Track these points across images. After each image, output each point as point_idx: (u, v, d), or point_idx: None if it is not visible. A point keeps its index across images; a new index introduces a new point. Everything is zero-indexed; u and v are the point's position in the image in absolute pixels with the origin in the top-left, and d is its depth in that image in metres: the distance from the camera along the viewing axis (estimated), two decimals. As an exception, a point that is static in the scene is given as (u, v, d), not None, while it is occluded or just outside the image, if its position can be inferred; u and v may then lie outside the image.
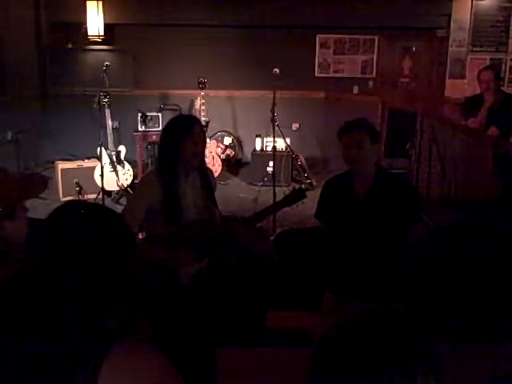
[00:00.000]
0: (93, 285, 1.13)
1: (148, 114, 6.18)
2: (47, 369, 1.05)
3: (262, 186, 6.17)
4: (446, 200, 4.82)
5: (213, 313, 2.43)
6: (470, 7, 6.88)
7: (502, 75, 6.79)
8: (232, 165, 7.18)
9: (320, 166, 7.18)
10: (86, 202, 1.59)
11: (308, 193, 3.08)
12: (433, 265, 2.79)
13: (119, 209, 4.40)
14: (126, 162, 5.92)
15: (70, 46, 6.83)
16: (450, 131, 4.88)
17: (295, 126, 7.41)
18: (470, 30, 6.95)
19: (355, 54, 7.45)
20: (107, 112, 5.70)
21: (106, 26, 6.65)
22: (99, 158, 5.33)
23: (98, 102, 5.44)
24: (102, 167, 5.24)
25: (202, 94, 6.39)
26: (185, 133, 2.72)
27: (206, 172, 2.93)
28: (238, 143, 7.41)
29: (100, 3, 6.53)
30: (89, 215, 1.23)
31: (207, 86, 6.39)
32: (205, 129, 5.15)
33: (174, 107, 6.83)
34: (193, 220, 2.79)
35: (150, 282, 2.29)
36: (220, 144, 6.97)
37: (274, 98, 4.91)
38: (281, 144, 6.41)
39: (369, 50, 7.44)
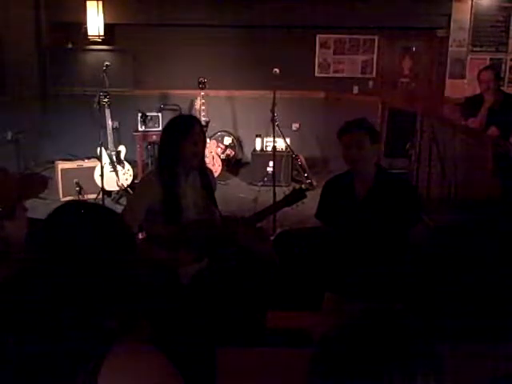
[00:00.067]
0: (93, 285, 1.13)
1: (148, 113, 6.18)
2: (47, 369, 1.05)
3: (262, 185, 6.17)
4: (446, 200, 4.82)
5: (213, 313, 2.43)
6: (470, 7, 6.88)
7: (502, 75, 6.79)
8: (232, 165, 7.18)
9: (320, 165, 7.18)
10: (85, 202, 1.59)
11: (308, 193, 3.08)
12: (433, 265, 2.80)
13: (119, 209, 4.40)
14: (126, 162, 5.92)
15: (70, 46, 6.83)
16: (450, 131, 4.88)
17: (295, 125, 7.41)
18: (470, 30, 6.95)
19: (355, 53, 7.45)
20: (107, 112, 5.70)
21: (106, 26, 6.65)
22: (99, 158, 5.33)
23: (98, 102, 5.44)
24: (101, 167, 5.24)
25: (202, 94, 6.39)
26: (185, 133, 2.72)
27: (206, 172, 2.93)
28: (238, 143, 7.41)
29: (100, 3, 6.53)
30: (89, 215, 1.23)
31: (207, 86, 6.39)
32: (205, 129, 5.15)
33: (174, 107, 6.83)
34: (193, 220, 2.79)
35: (149, 282, 2.29)
36: (220, 144, 6.97)
37: (274, 98, 4.91)
38: (281, 144, 6.41)
39: (369, 49, 7.44)
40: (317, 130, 7.26)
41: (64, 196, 5.68)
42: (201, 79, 6.34)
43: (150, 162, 6.34)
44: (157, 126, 6.15)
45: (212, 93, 6.75)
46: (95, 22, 6.56)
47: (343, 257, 2.65)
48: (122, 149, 5.95)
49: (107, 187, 5.56)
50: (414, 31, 7.22)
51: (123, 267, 1.19)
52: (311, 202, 3.14)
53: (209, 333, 2.27)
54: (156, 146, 5.74)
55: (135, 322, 1.28)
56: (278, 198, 4.20)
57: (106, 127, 5.68)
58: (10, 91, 6.28)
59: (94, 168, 5.71)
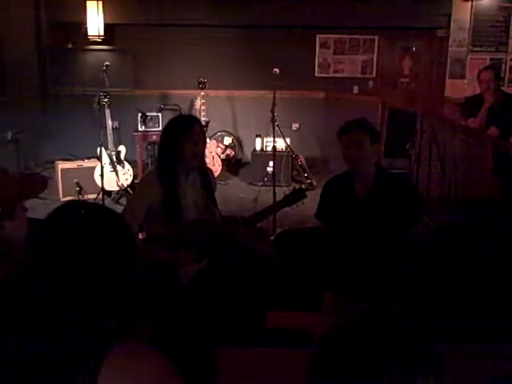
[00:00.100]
0: (93, 285, 1.13)
1: (148, 113, 6.18)
2: (47, 369, 1.04)
3: (262, 185, 6.17)
4: (446, 200, 4.82)
5: (213, 313, 2.43)
6: (470, 7, 6.88)
7: (502, 75, 6.79)
8: (232, 165, 7.18)
9: (320, 165, 7.18)
10: (85, 202, 1.59)
11: (308, 193, 3.08)
12: (433, 265, 2.80)
13: (119, 209, 4.40)
14: (126, 162, 5.92)
15: (70, 46, 6.83)
16: (450, 131, 4.88)
17: (295, 125, 7.41)
18: (470, 30, 6.95)
19: (355, 53, 7.45)
20: (107, 112, 5.70)
21: (106, 26, 6.65)
22: (99, 158, 5.33)
23: (98, 102, 5.44)
24: (102, 167, 5.24)
25: (202, 93, 6.39)
26: (185, 133, 2.72)
27: (206, 172, 2.93)
28: (238, 143, 7.41)
29: (100, 3, 6.53)
30: (89, 215, 1.23)
31: (207, 86, 6.39)
32: (205, 129, 5.16)
33: (174, 107, 6.83)
34: (193, 220, 2.79)
35: (150, 282, 2.29)
36: (220, 144, 6.97)
37: (274, 98, 4.91)
38: (281, 144, 6.41)
39: (369, 49, 7.44)
40: (317, 130, 7.26)
41: (64, 196, 5.68)
42: (201, 79, 6.34)
43: (150, 161, 6.34)
44: (157, 125, 6.15)
45: (212, 93, 6.75)
46: (95, 22, 6.56)
47: (343, 257, 2.65)
48: (122, 149, 5.95)
49: (107, 187, 5.56)
50: (414, 31, 7.22)
51: (123, 267, 1.19)
52: (311, 202, 3.14)
53: (209, 333, 2.27)
54: (156, 146, 5.74)
55: (135, 322, 1.28)
56: (278, 198, 4.20)
57: (105, 127, 5.68)
58: (9, 91, 6.28)
59: (94, 168, 5.71)
